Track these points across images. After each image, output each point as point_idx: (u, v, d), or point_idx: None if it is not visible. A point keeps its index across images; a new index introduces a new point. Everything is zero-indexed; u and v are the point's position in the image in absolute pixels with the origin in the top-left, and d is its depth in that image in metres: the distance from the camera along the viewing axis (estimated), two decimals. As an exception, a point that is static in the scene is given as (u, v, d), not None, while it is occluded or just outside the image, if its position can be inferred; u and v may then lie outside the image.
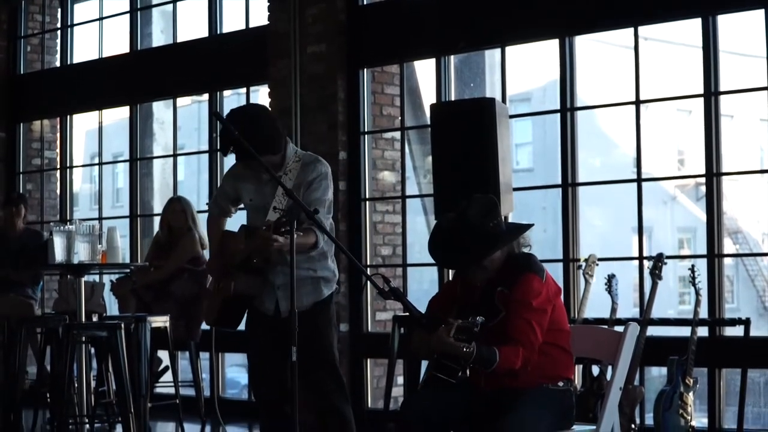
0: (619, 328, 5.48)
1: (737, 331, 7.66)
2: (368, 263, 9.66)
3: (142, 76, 11.75)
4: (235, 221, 6.39)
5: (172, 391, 9.02)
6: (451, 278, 6.05)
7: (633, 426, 7.35)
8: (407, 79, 9.95)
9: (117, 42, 12.34)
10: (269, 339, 6.04)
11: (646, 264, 7.83)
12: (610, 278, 7.54)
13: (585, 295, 7.62)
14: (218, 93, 11.18)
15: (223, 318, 6.26)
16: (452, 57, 9.55)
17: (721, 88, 8.08)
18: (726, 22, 8.22)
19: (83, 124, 14.09)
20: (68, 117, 12.78)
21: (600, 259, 7.79)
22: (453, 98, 9.52)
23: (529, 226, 5.37)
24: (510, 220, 7.80)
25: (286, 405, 6.07)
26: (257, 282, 6.03)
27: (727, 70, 8.32)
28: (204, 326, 9.44)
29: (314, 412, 6.22)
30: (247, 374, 11.67)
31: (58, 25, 13.09)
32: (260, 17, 10.43)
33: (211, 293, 9.23)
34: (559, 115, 8.79)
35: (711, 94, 8.06)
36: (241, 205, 6.44)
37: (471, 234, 5.20)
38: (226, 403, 10.74)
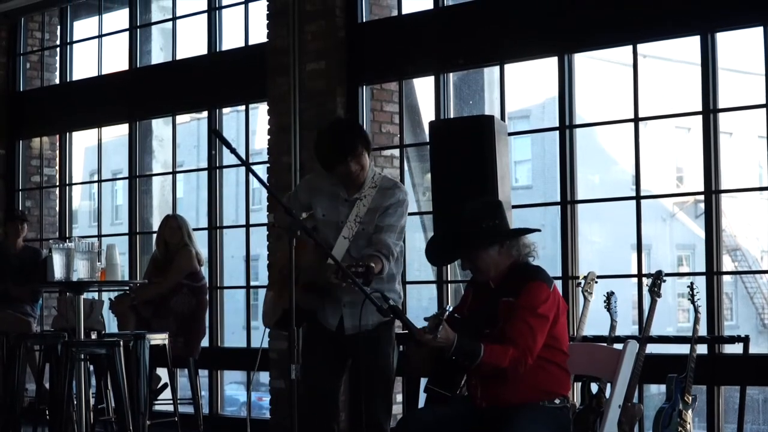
0: (618, 346, 5.48)
1: (736, 348, 7.65)
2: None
3: (142, 94, 11.77)
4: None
5: (171, 408, 9.01)
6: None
7: (632, 443, 7.34)
8: (406, 97, 9.96)
9: (116, 59, 12.35)
10: (328, 356, 6.07)
11: (645, 281, 7.82)
12: (609, 296, 7.53)
13: (584, 312, 7.61)
14: (217, 110, 11.20)
15: (284, 324, 6.32)
16: (451, 74, 9.56)
17: (720, 106, 8.08)
18: (725, 40, 8.23)
19: (82, 141, 14.12)
20: (67, 134, 12.79)
21: (599, 277, 7.78)
22: (452, 115, 9.53)
23: (529, 230, 5.39)
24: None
25: (336, 424, 6.19)
26: (317, 298, 6.05)
27: (726, 87, 8.33)
28: (205, 342, 9.46)
29: (353, 427, 6.31)
30: (246, 392, 11.65)
31: (58, 42, 13.11)
32: (259, 34, 10.44)
33: (206, 307, 9.34)
34: (558, 132, 8.79)
35: (710, 111, 8.06)
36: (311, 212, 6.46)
37: (463, 227, 5.32)
38: (224, 420, 10.76)
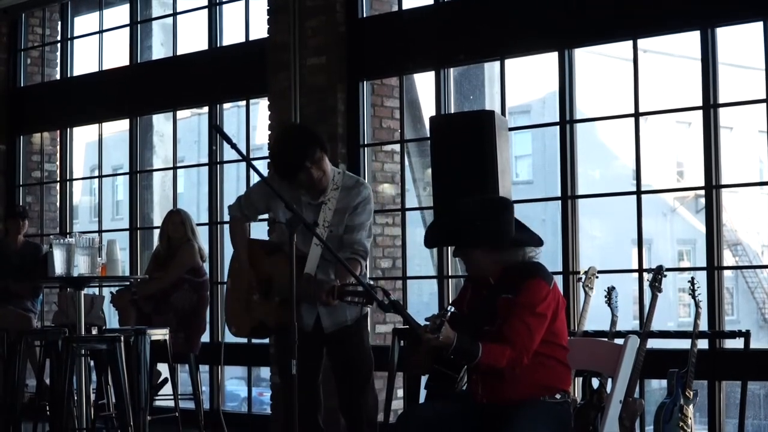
0: (619, 341, 5.48)
1: (737, 343, 7.64)
2: (368, 276, 9.64)
3: (142, 89, 11.76)
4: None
5: (171, 403, 9.01)
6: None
7: (633, 438, 7.34)
8: (407, 92, 9.96)
9: (117, 55, 12.35)
10: (307, 354, 6.07)
11: (646, 276, 7.81)
12: (610, 291, 7.52)
13: (585, 307, 7.61)
14: (218, 105, 11.19)
15: (256, 334, 6.54)
16: (452, 69, 9.56)
17: (720, 100, 8.08)
18: (725, 35, 8.23)
19: (83, 136, 14.11)
20: (68, 129, 12.79)
21: (600, 272, 7.78)
22: (452, 111, 9.53)
23: (524, 243, 5.34)
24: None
25: (320, 415, 6.24)
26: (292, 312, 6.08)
27: (726, 82, 8.32)
28: (205, 338, 9.45)
29: (346, 419, 6.35)
30: (246, 387, 11.67)
31: (58, 38, 13.11)
32: (260, 30, 10.45)
33: (207, 303, 9.32)
34: (558, 127, 8.79)
35: (710, 106, 8.06)
36: (265, 216, 6.50)
37: (456, 221, 5.31)
38: (226, 416, 10.75)
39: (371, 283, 6.34)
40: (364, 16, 9.90)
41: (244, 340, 10.33)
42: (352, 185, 6.25)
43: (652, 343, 7.53)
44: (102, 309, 9.00)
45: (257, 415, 11.19)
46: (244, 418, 11.21)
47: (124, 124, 12.15)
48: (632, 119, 8.52)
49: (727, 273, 9.98)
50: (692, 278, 7.38)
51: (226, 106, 11.69)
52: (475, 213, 5.28)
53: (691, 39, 8.30)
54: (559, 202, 8.74)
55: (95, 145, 12.69)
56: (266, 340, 9.54)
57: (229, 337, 11.33)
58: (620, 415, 5.43)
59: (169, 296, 9.11)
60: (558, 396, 5.22)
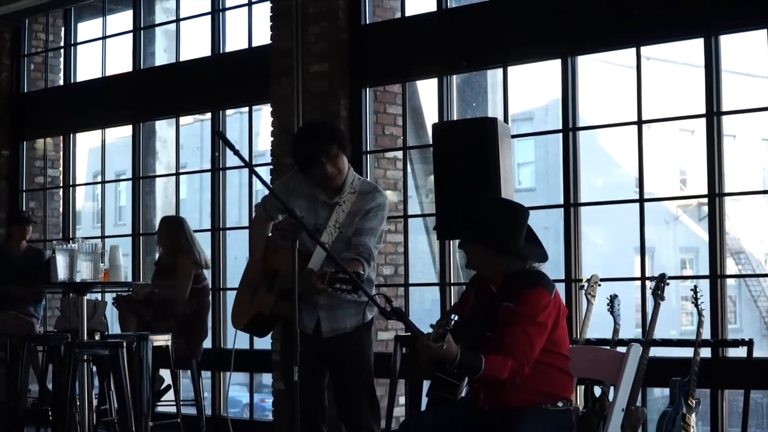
0: (622, 349, 5.48)
1: (740, 352, 7.64)
2: (374, 282, 9.63)
3: (145, 95, 11.77)
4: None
5: (173, 409, 9.01)
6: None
7: (635, 447, 7.33)
8: (409, 99, 9.96)
9: (120, 61, 12.36)
10: (309, 359, 6.04)
11: (649, 284, 7.81)
12: (612, 299, 7.52)
13: (587, 315, 7.60)
14: (221, 112, 11.19)
15: (253, 328, 6.44)
16: (454, 76, 9.56)
17: (724, 108, 8.08)
18: (728, 42, 8.22)
19: (86, 142, 14.13)
20: (71, 135, 12.80)
21: (602, 280, 7.77)
22: (455, 118, 9.52)
23: (523, 255, 5.32)
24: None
25: (323, 423, 6.21)
26: (292, 306, 6.02)
27: (730, 90, 8.31)
28: (207, 344, 9.45)
29: (345, 427, 6.31)
30: (248, 393, 11.66)
31: (62, 44, 13.12)
32: (263, 36, 10.44)
33: (208, 309, 9.29)
34: (561, 134, 8.78)
35: (713, 114, 8.05)
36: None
37: (465, 212, 5.32)
38: (227, 422, 10.76)
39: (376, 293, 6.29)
40: (367, 22, 9.90)
41: (247, 346, 10.36)
42: (369, 190, 6.25)
43: (655, 352, 7.53)
44: (104, 315, 9.02)
45: (258, 421, 11.18)
46: (246, 424, 11.19)
47: (127, 130, 12.16)
48: (635, 127, 8.51)
49: (730, 281, 9.97)
50: (695, 286, 7.36)
51: (228, 112, 11.69)
52: (486, 210, 5.28)
53: (695, 46, 8.30)
54: (562, 209, 8.74)
55: (98, 150, 12.71)
56: (269, 346, 9.55)
57: (231, 343, 11.36)
58: (622, 423, 5.42)
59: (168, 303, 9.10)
60: (560, 404, 5.21)
